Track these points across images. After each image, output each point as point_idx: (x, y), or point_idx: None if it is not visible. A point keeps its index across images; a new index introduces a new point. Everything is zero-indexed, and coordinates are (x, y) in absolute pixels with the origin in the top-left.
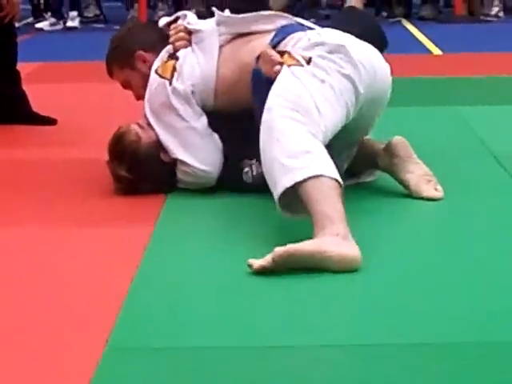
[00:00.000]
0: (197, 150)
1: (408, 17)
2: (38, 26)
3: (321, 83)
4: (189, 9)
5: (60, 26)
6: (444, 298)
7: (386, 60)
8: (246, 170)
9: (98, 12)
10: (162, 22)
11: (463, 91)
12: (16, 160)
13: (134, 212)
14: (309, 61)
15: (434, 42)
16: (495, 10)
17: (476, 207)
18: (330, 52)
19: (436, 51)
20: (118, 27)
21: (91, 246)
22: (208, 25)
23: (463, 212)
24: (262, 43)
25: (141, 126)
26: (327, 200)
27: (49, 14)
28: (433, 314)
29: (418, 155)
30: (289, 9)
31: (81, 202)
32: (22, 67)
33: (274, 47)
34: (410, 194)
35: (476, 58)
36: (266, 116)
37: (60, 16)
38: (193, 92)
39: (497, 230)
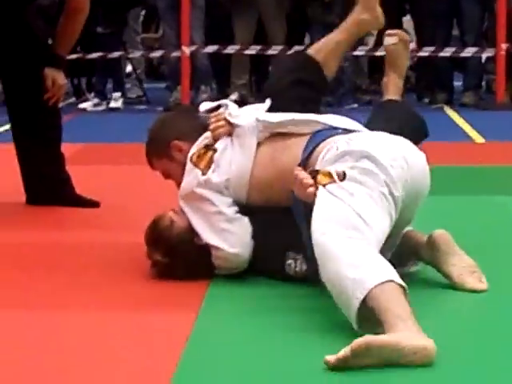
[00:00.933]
0: (226, 234)
1: (450, 103)
2: (82, 106)
3: (361, 195)
4: (232, 92)
5: (103, 107)
6: None
7: (427, 148)
8: (290, 262)
9: (141, 93)
10: (203, 107)
11: (505, 180)
12: (59, 242)
13: (177, 298)
14: (343, 176)
15: (476, 129)
16: None
17: None
18: (357, 161)
19: (478, 139)
20: (160, 108)
21: (132, 333)
22: (249, 120)
23: (508, 304)
24: (297, 149)
25: (176, 212)
26: (398, 302)
27: (92, 94)
28: None
29: (460, 246)
30: (332, 93)
31: (122, 287)
32: (65, 148)
33: (307, 158)
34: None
35: None
36: (320, 239)
37: (103, 97)
38: (226, 187)
39: None
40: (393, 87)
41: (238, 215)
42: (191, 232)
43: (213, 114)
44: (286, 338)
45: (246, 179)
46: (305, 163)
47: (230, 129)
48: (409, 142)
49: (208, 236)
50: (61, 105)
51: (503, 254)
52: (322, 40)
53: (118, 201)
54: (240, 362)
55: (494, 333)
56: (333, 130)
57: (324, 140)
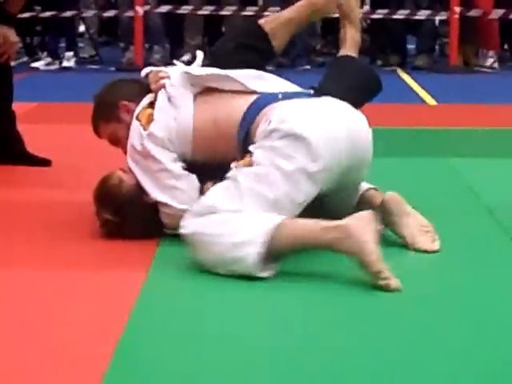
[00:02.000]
0: (174, 191)
1: (403, 66)
2: (34, 65)
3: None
4: (185, 52)
5: (56, 66)
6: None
7: (379, 110)
8: None
9: (93, 53)
10: (143, 73)
11: (456, 143)
12: (8, 201)
13: (127, 257)
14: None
15: (428, 92)
16: (490, 61)
17: (470, 258)
18: (283, 138)
19: (430, 101)
20: (113, 68)
21: (81, 291)
22: (176, 75)
23: (459, 264)
24: (237, 114)
25: (124, 171)
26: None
27: (45, 53)
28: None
29: (414, 208)
30: (284, 55)
31: (72, 245)
32: (17, 107)
33: (248, 130)
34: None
35: (470, 109)
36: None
37: (56, 56)
38: (170, 140)
39: (486, 283)
40: (350, 40)
41: (185, 172)
42: (140, 190)
43: (151, 73)
44: (235, 294)
45: (189, 135)
46: (245, 135)
47: (168, 75)
48: (349, 106)
49: (156, 194)
50: (13, 63)
51: (454, 215)
52: (276, 14)
53: (70, 160)
54: (189, 321)
55: (443, 294)
56: (271, 97)
57: (260, 111)
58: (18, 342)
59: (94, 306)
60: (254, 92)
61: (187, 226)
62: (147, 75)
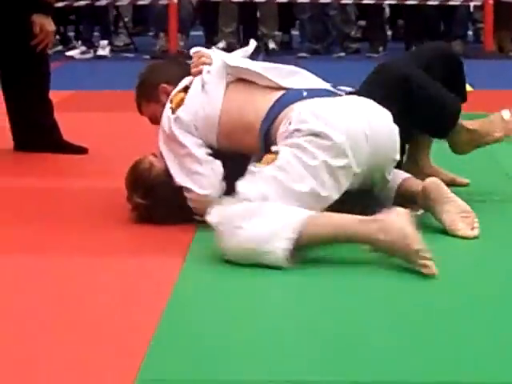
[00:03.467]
0: (197, 176)
1: None
2: (69, 53)
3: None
4: (219, 40)
5: (90, 55)
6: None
7: None
8: None
9: (128, 41)
10: (191, 52)
11: None
12: (46, 188)
13: (163, 244)
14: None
15: None
16: None
17: (509, 245)
18: (306, 136)
19: (467, 87)
20: (147, 57)
21: (118, 278)
22: (217, 63)
23: (497, 251)
24: (262, 110)
25: (155, 156)
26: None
27: (79, 42)
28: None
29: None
30: (320, 41)
31: (109, 232)
32: (53, 95)
33: (269, 127)
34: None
35: (506, 95)
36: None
37: (90, 44)
38: (196, 127)
39: None
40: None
41: (210, 158)
42: (169, 174)
43: (195, 55)
44: (271, 283)
45: (215, 123)
46: (267, 131)
47: (211, 60)
48: (373, 104)
49: (180, 178)
50: (49, 52)
51: (495, 202)
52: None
53: (106, 148)
54: (225, 308)
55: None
56: (296, 95)
57: (284, 109)
58: (55, 328)
59: (131, 293)
60: (282, 88)
61: (213, 214)
62: (191, 56)
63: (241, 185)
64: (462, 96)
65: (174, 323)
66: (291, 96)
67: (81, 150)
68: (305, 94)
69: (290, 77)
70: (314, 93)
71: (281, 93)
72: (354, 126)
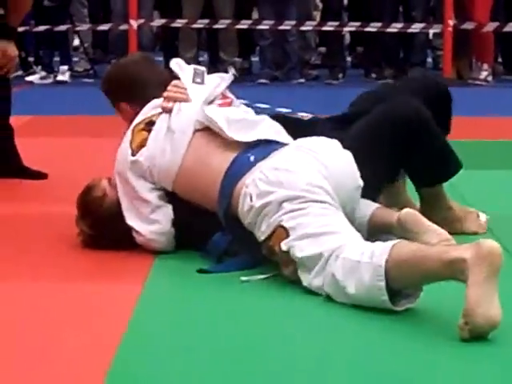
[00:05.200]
0: (148, 221)
1: (397, 79)
2: (28, 79)
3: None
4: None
5: (50, 80)
6: None
7: None
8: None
9: (88, 67)
10: (174, 64)
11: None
12: (3, 214)
13: (123, 269)
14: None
15: None
16: (484, 74)
17: None
18: (279, 209)
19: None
20: None
21: (79, 303)
22: (195, 106)
23: None
24: (219, 171)
25: (110, 183)
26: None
27: (39, 67)
28: None
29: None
30: (280, 67)
31: (68, 258)
32: (12, 120)
33: (229, 201)
34: None
35: (464, 121)
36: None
37: (50, 70)
38: (150, 172)
39: None
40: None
41: (161, 202)
42: (120, 208)
43: (171, 84)
44: (234, 310)
45: (173, 174)
46: (226, 207)
47: (186, 98)
48: (329, 144)
49: (130, 219)
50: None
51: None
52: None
53: (65, 172)
54: (186, 333)
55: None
56: (243, 164)
57: (235, 183)
58: (13, 356)
59: (91, 319)
60: (241, 143)
61: (312, 278)
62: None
63: (299, 252)
64: (447, 129)
65: (133, 348)
66: (239, 166)
67: (40, 176)
68: (252, 158)
69: (251, 130)
70: (262, 152)
71: (234, 155)
72: (310, 170)
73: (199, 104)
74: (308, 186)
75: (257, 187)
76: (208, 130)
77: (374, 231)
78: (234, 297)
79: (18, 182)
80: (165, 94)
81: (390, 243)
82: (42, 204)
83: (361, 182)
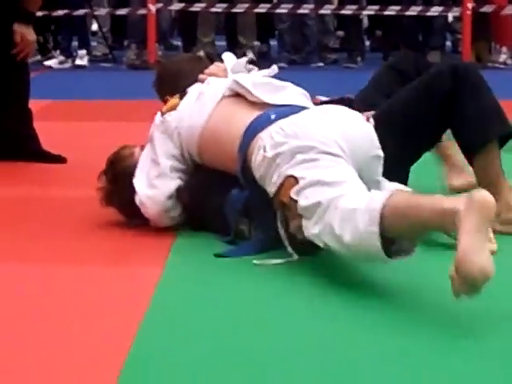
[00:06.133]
0: (148, 183)
1: None
2: (47, 63)
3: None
4: (197, 50)
5: (68, 64)
6: None
7: None
8: (243, 227)
9: (106, 51)
10: (227, 57)
11: None
12: (24, 198)
13: (143, 250)
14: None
15: None
16: (503, 57)
17: None
18: (292, 158)
19: None
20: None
21: (99, 286)
22: (222, 80)
23: None
24: (241, 125)
25: (141, 149)
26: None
27: (58, 51)
28: None
29: None
30: (299, 51)
31: (92, 240)
32: (31, 104)
33: (245, 156)
34: None
35: None
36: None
37: (69, 54)
38: (178, 133)
39: None
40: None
41: (171, 173)
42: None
43: (214, 64)
44: (256, 289)
45: (196, 135)
46: (244, 155)
47: (224, 75)
48: (350, 112)
49: (137, 177)
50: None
51: None
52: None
53: (83, 157)
54: (206, 316)
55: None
56: (264, 120)
57: (255, 136)
58: (29, 341)
59: (109, 304)
60: (266, 104)
61: (309, 227)
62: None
63: (304, 200)
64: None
65: (151, 337)
66: (260, 122)
67: (59, 160)
68: (273, 117)
69: (276, 93)
70: (283, 112)
71: (257, 114)
72: (328, 127)
73: (235, 77)
74: (323, 138)
75: (272, 139)
76: (236, 97)
77: None
78: (258, 281)
79: (37, 166)
80: (206, 70)
81: (387, 192)
82: (61, 188)
83: (380, 153)
